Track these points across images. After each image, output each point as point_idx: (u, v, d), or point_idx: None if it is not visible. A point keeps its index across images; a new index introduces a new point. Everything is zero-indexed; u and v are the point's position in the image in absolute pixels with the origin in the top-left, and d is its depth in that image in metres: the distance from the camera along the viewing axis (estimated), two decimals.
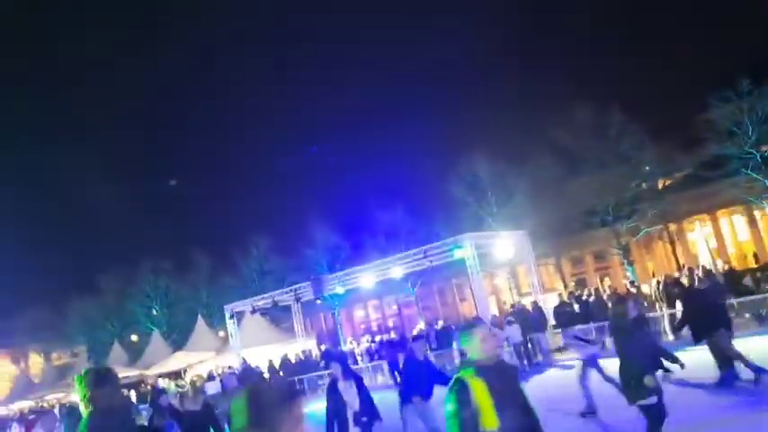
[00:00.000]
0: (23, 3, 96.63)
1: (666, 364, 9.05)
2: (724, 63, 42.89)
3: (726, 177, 30.56)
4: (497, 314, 25.11)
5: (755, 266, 27.25)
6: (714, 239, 35.45)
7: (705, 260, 31.82)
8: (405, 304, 47.99)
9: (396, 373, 21.59)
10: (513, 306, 24.31)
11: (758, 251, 32.94)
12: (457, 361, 18.08)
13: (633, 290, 21.07)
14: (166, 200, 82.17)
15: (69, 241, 68.51)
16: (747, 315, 17.18)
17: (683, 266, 30.10)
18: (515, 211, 33.63)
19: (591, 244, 39.00)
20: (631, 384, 6.48)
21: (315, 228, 43.85)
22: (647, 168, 34.32)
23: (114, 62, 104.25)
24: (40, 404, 32.86)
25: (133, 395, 29.60)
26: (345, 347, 29.77)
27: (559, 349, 19.52)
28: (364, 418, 8.14)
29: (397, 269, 22.93)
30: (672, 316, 16.72)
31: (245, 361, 24.11)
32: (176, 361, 32.43)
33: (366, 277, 23.60)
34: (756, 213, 33.43)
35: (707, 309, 10.73)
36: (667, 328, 17.13)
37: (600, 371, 9.65)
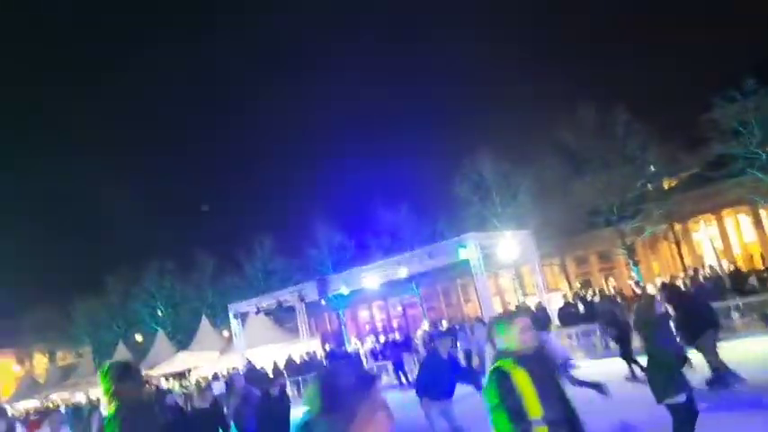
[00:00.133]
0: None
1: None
2: (729, 62, 42.84)
3: (731, 177, 30.45)
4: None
5: (762, 267, 27.12)
6: (719, 240, 35.33)
7: (711, 260, 31.70)
8: (409, 305, 48.01)
9: (400, 373, 21.60)
10: (517, 307, 24.26)
11: (764, 251, 32.79)
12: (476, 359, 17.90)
13: (639, 290, 21.03)
14: (171, 200, 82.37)
15: (74, 242, 68.76)
16: (753, 316, 17.12)
17: (688, 267, 30.06)
18: (520, 210, 33.62)
19: (596, 244, 38.91)
20: (660, 381, 6.30)
21: (319, 228, 43.93)
22: (652, 168, 34.23)
23: (123, 64, 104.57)
24: (45, 404, 32.94)
25: None
26: (350, 348, 29.76)
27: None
28: None
29: (401, 269, 22.89)
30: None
31: (249, 362, 24.09)
32: (181, 361, 32.44)
33: (370, 278, 23.56)
34: (762, 213, 33.29)
35: (695, 312, 10.72)
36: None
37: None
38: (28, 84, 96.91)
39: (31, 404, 34.50)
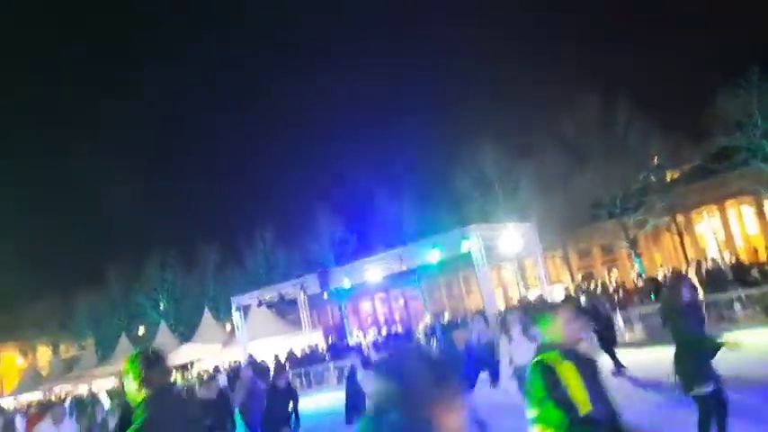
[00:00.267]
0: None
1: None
2: (733, 53, 42.61)
3: (734, 168, 30.37)
4: (504, 307, 25.03)
5: (764, 260, 27.04)
6: (722, 231, 35.24)
7: (713, 252, 31.64)
8: (411, 297, 47.97)
9: None
10: (519, 301, 24.23)
11: (767, 243, 32.70)
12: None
13: (641, 283, 20.98)
14: (173, 194, 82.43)
15: (76, 234, 68.85)
16: (755, 308, 17.09)
17: (691, 259, 29.97)
18: (522, 203, 33.54)
19: (598, 236, 38.84)
20: (689, 371, 6.15)
21: (321, 221, 43.94)
22: (655, 160, 34.14)
23: (124, 57, 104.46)
24: (48, 397, 33.03)
25: None
26: (352, 340, 29.80)
27: None
28: None
29: (402, 262, 22.86)
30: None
31: (251, 356, 24.11)
32: (183, 353, 32.51)
33: (372, 270, 23.53)
34: (765, 204, 33.19)
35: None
36: None
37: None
38: (28, 73, 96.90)
39: (35, 397, 34.58)
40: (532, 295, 24.26)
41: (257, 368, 20.15)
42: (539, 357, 3.66)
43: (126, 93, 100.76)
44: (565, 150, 33.25)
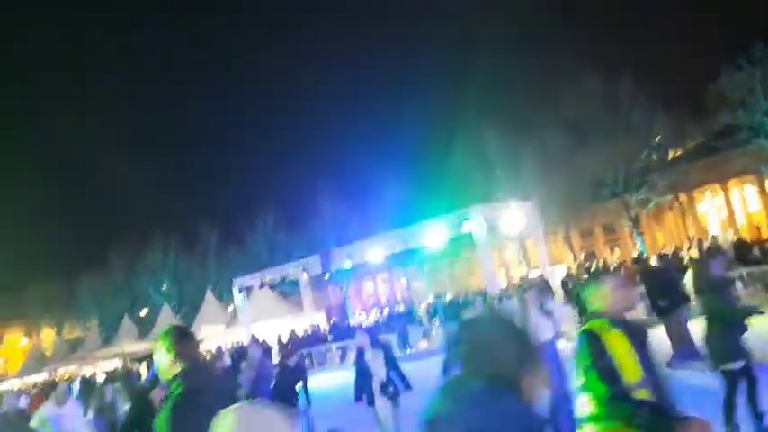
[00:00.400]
0: None
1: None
2: (736, 30, 42.20)
3: (737, 146, 30.23)
4: (505, 287, 25.06)
5: (766, 238, 27.01)
6: (725, 210, 35.19)
7: (716, 231, 31.61)
8: (413, 277, 48.08)
9: (406, 344, 21.72)
10: (521, 279, 24.25)
11: None
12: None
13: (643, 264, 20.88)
14: (175, 176, 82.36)
15: (81, 216, 68.89)
16: (756, 286, 17.10)
17: (693, 238, 29.95)
18: (524, 183, 33.43)
19: (600, 216, 38.78)
20: (719, 346, 6.09)
21: (323, 202, 43.92)
22: (658, 138, 33.98)
23: (124, 36, 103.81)
24: (53, 377, 33.24)
25: (144, 368, 29.90)
26: (354, 320, 29.89)
27: None
28: (390, 389, 7.93)
29: (404, 243, 22.87)
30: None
31: (253, 336, 24.22)
32: None
33: (374, 251, 23.56)
34: None
35: (662, 288, 10.66)
36: None
37: None
38: (29, 57, 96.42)
39: (41, 378, 34.81)
40: (534, 276, 24.23)
41: (263, 348, 20.27)
42: (585, 326, 3.59)
43: (126, 70, 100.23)
44: (567, 129, 33.08)
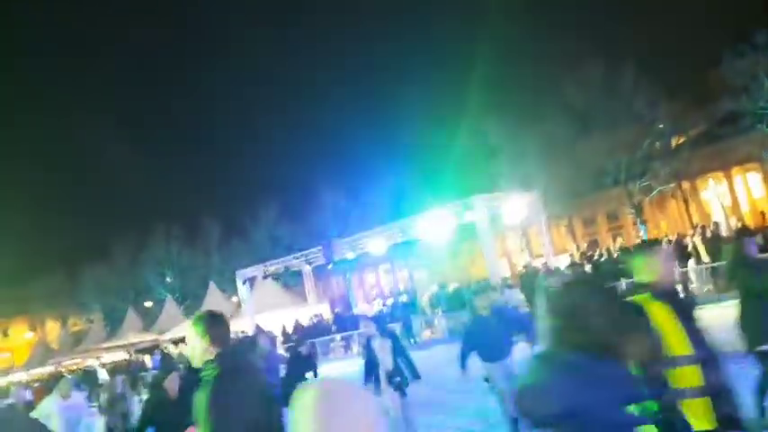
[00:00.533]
0: None
1: None
2: (738, 16, 41.86)
3: (740, 134, 30.11)
4: (507, 276, 25.08)
5: None
6: (728, 197, 35.07)
7: (719, 218, 31.52)
8: (416, 268, 48.07)
9: (409, 335, 21.76)
10: (524, 267, 24.24)
11: None
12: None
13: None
14: (178, 168, 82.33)
15: (84, 209, 69.04)
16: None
17: (696, 225, 29.87)
18: (526, 172, 33.33)
19: (603, 204, 38.65)
20: (755, 327, 5.93)
21: (325, 193, 43.93)
22: (660, 126, 33.81)
23: (133, 26, 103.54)
24: (58, 370, 33.41)
25: (148, 359, 30.08)
26: (357, 311, 29.94)
27: None
28: (397, 379, 7.81)
29: (406, 233, 22.86)
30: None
31: (258, 326, 24.29)
32: None
33: (377, 242, 23.56)
34: None
35: None
36: None
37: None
38: (29, 46, 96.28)
39: (47, 371, 35.00)
40: (536, 265, 24.21)
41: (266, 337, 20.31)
42: (629, 299, 3.49)
43: (128, 61, 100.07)
44: (569, 117, 32.96)
